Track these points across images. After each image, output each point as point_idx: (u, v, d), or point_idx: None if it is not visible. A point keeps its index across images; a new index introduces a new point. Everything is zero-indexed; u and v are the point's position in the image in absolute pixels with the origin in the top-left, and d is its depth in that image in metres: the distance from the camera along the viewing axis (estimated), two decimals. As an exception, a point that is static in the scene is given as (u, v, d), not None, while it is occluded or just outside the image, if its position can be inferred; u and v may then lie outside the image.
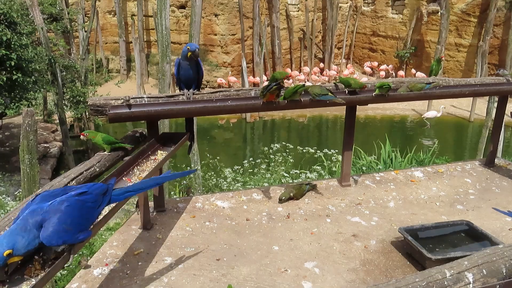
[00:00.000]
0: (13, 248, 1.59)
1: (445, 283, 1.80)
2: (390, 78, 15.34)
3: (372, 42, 20.28)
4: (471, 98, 14.96)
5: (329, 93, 3.13)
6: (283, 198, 3.43)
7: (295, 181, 5.94)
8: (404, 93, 3.43)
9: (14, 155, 10.91)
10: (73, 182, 2.55)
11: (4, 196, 7.31)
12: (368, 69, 19.37)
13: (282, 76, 3.28)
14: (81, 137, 2.86)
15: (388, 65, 19.04)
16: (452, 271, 1.84)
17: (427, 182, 3.89)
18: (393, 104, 16.64)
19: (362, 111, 15.57)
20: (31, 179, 4.11)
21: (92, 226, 1.88)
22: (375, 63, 19.47)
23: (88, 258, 2.69)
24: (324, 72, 19.21)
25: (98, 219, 2.04)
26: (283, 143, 7.01)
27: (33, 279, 1.74)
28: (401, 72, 18.27)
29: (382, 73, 18.51)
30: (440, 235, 2.87)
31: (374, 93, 3.33)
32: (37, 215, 1.67)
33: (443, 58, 4.67)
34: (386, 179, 3.94)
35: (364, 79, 16.88)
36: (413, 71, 17.61)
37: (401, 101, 3.72)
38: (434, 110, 14.60)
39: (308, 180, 5.61)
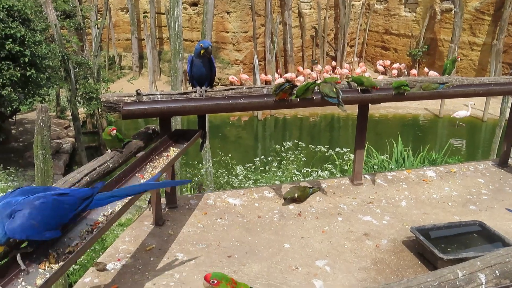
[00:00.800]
0: None
1: (457, 283, 1.78)
2: (402, 77, 15.21)
3: (384, 40, 20.10)
4: (485, 98, 14.73)
5: (338, 97, 3.11)
6: (288, 197, 3.40)
7: (306, 179, 5.94)
8: (417, 92, 3.41)
9: (28, 151, 11.07)
10: (87, 177, 2.59)
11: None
12: (380, 68, 19.21)
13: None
14: (113, 132, 2.85)
15: (400, 64, 18.87)
16: (464, 271, 1.83)
17: (439, 181, 3.85)
18: (405, 103, 16.50)
19: (374, 110, 15.45)
20: (44, 174, 4.17)
21: (61, 227, 1.82)
22: (388, 62, 19.31)
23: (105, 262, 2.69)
24: (336, 70, 19.11)
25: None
26: (295, 141, 6.99)
27: (47, 273, 1.77)
28: (414, 71, 18.09)
29: (395, 72, 18.35)
30: (452, 235, 2.85)
31: (393, 92, 3.31)
32: (10, 207, 1.65)
33: (459, 58, 4.59)
34: (398, 178, 3.91)
35: (380, 77, 16.74)
36: (426, 69, 17.41)
37: (414, 100, 3.69)
38: (463, 110, 14.30)
39: (320, 178, 5.60)
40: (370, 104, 3.54)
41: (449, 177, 3.94)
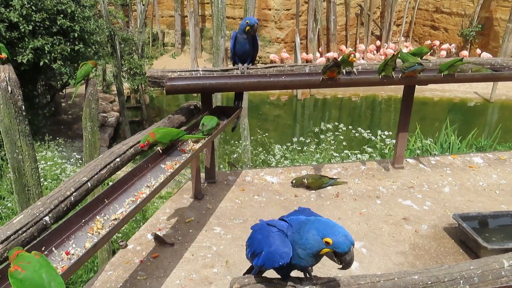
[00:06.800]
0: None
1: (503, 273, 1.72)
2: (451, 58, 14.46)
3: (434, 19, 19.13)
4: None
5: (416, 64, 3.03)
6: (294, 182, 3.33)
7: (345, 161, 5.85)
8: (468, 73, 3.24)
9: (76, 123, 11.61)
10: (132, 149, 2.67)
11: (64, 160, 7.80)
12: (428, 48, 18.31)
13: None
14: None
15: (450, 44, 17.93)
16: (511, 261, 1.76)
17: (487, 168, 3.69)
18: (453, 85, 15.75)
19: (418, 92, 14.89)
20: (92, 145, 4.35)
21: None
22: (437, 42, 18.39)
23: (126, 239, 2.81)
24: (381, 50, 18.47)
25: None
26: (336, 123, 6.87)
27: (95, 237, 1.87)
28: (465, 52, 17.13)
29: (443, 53, 17.48)
30: (498, 225, 2.73)
31: (443, 73, 3.16)
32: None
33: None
34: (442, 163, 3.78)
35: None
36: (478, 51, 16.45)
37: (465, 82, 3.51)
38: None
39: (358, 160, 5.50)
40: (416, 86, 3.41)
41: (498, 164, 3.76)
